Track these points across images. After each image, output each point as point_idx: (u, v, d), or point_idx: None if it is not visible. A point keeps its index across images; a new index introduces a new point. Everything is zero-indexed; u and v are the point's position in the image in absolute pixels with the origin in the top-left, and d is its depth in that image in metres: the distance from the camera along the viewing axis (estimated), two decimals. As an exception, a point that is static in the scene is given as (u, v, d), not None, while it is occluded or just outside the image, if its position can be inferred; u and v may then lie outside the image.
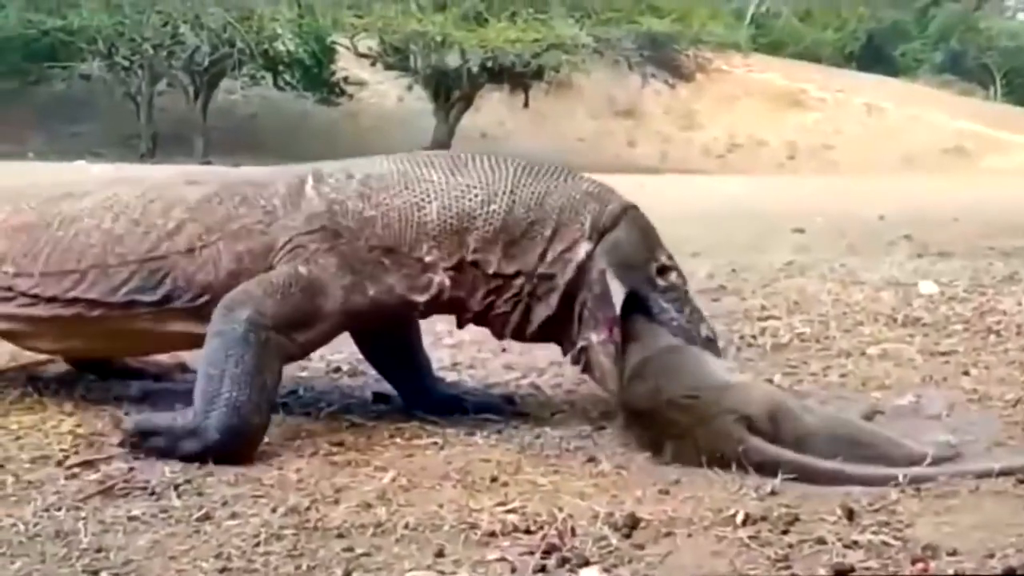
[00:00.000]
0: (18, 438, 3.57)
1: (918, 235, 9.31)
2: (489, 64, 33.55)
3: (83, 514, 2.92)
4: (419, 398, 3.97)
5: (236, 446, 3.36)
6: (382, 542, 2.74)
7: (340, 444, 3.50)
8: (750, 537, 2.74)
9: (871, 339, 5.06)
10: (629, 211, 3.72)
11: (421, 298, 3.62)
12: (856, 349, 4.86)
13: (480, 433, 3.63)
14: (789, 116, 39.30)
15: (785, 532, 2.76)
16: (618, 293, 3.57)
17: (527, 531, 2.78)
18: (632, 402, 3.50)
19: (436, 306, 3.68)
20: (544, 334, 3.72)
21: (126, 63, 33.20)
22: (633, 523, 2.80)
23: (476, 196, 3.63)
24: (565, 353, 3.73)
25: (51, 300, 3.80)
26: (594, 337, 3.59)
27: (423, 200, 3.62)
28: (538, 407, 3.96)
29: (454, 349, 4.80)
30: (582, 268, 3.62)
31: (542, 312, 3.65)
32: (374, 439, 3.57)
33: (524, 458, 3.38)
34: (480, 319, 3.75)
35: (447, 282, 3.61)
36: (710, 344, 3.68)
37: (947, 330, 5.27)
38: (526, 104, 35.64)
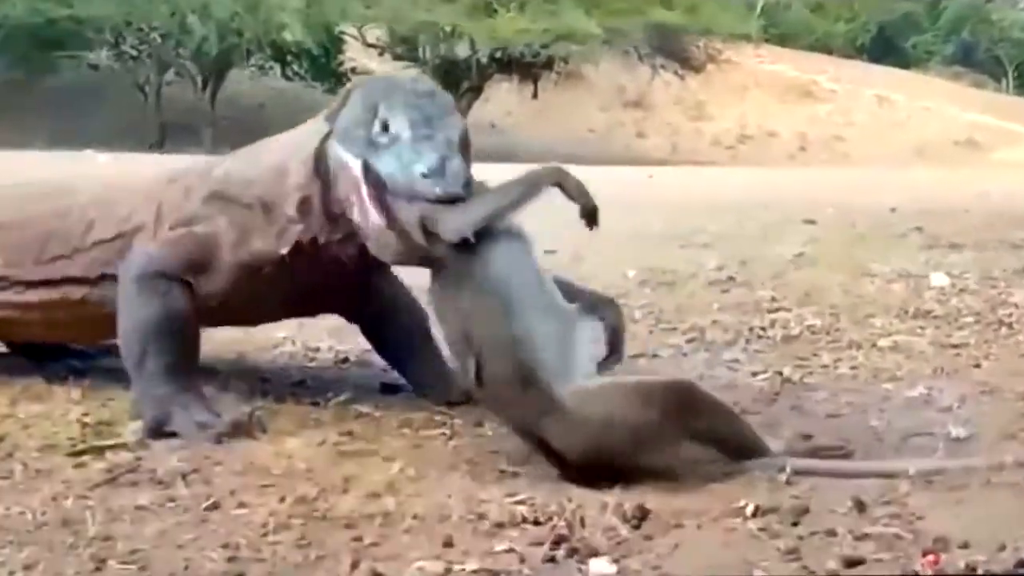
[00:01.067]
0: (26, 427, 3.58)
1: (929, 227, 9.28)
2: (498, 55, 33.60)
3: (90, 503, 2.92)
4: (427, 386, 3.98)
5: (184, 387, 3.56)
6: (390, 532, 2.74)
7: (348, 434, 3.49)
8: (760, 529, 2.73)
9: (882, 331, 5.03)
10: (357, 86, 3.56)
11: (285, 249, 3.60)
12: (867, 341, 4.84)
13: (489, 424, 3.61)
14: (800, 107, 39.30)
15: (795, 524, 2.74)
16: (352, 162, 3.34)
17: (536, 522, 2.77)
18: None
19: (304, 255, 3.60)
20: (357, 254, 3.54)
21: (134, 53, 33.30)
22: (642, 514, 2.79)
23: (319, 137, 3.55)
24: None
25: (42, 284, 3.99)
26: (357, 216, 3.33)
27: (291, 155, 3.63)
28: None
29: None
30: (320, 155, 3.48)
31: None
32: (382, 429, 3.57)
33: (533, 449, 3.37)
34: (336, 258, 3.61)
35: (298, 227, 3.58)
36: (423, 180, 3.18)
37: (958, 322, 5.25)
38: (535, 95, 35.68)
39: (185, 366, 3.64)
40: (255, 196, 3.66)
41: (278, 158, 3.68)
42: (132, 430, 3.53)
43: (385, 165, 3.28)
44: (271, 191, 3.63)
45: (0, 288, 4.07)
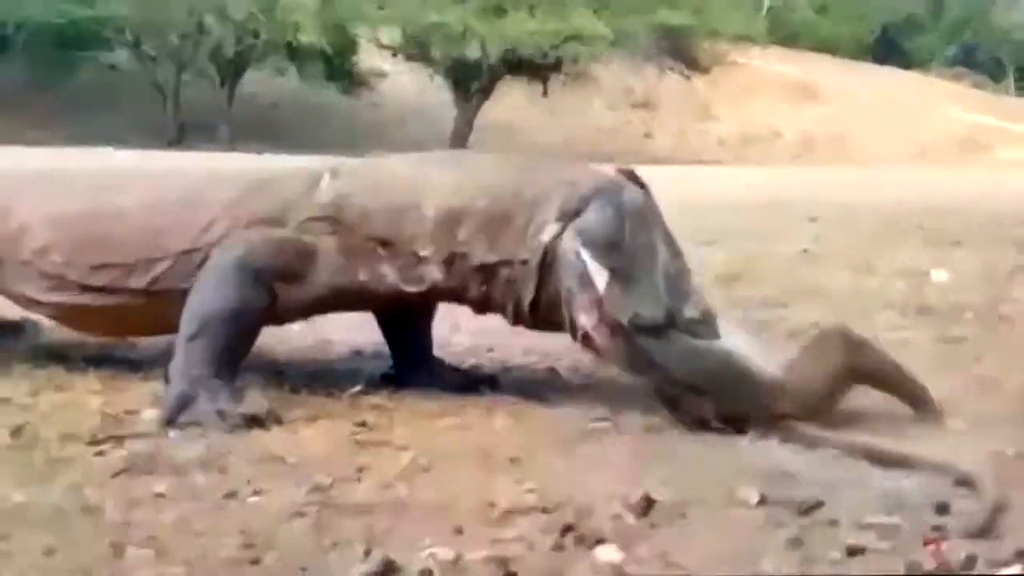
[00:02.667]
0: (47, 416, 3.62)
1: (931, 225, 9.28)
2: (508, 56, 33.52)
3: (109, 491, 2.96)
4: (413, 372, 4.13)
5: (220, 375, 3.64)
6: (402, 520, 2.78)
7: (362, 424, 3.55)
8: (765, 518, 2.77)
9: (884, 327, 5.04)
10: (602, 192, 3.71)
11: (414, 289, 3.80)
12: (869, 336, 4.85)
13: (499, 415, 3.67)
14: (804, 108, 39.12)
15: (800, 514, 2.79)
16: (597, 272, 3.59)
17: (544, 510, 2.82)
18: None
19: (436, 295, 3.87)
20: (544, 320, 3.78)
21: (153, 53, 33.25)
22: (649, 503, 2.84)
23: (467, 193, 3.77)
24: (573, 338, 3.75)
25: (100, 290, 4.03)
26: (585, 321, 3.61)
27: (422, 199, 3.78)
28: (556, 391, 3.99)
29: (474, 335, 4.82)
30: (549, 250, 3.67)
31: (526, 297, 3.73)
32: (395, 419, 3.62)
33: (542, 440, 3.43)
34: (486, 308, 3.88)
35: (439, 275, 3.77)
36: (694, 324, 3.59)
37: (959, 317, 5.28)
38: (544, 95, 35.58)
39: (229, 358, 3.71)
40: (374, 229, 3.79)
41: (404, 199, 3.80)
42: (148, 418, 3.59)
43: None
44: (395, 229, 3.78)
45: (57, 288, 4.10)
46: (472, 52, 33.60)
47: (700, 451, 3.32)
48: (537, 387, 4.03)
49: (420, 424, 3.59)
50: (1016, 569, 2.50)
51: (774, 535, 2.69)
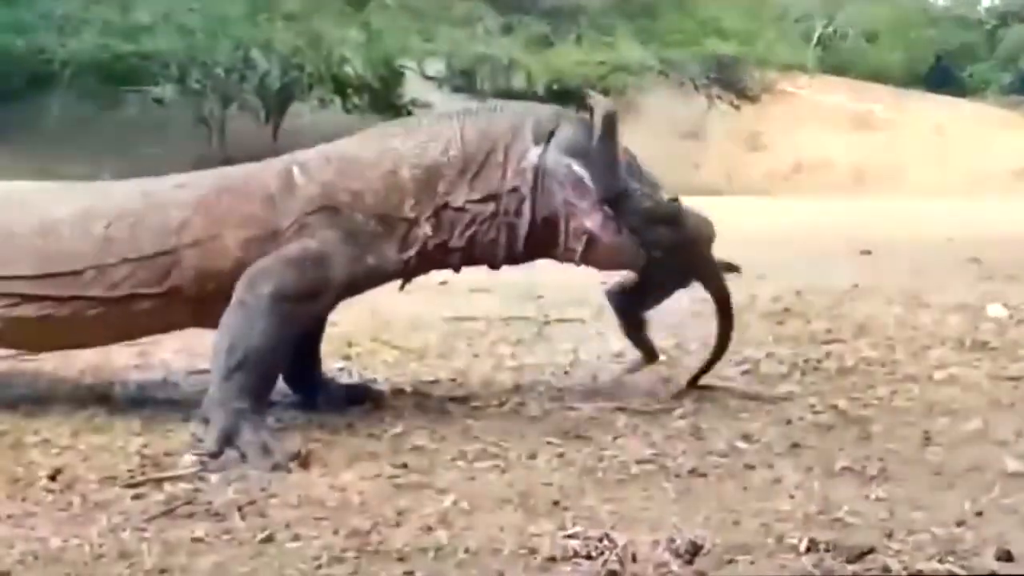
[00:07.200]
0: (86, 458, 3.61)
1: (986, 258, 9.18)
2: (555, 87, 33.64)
3: (147, 535, 2.94)
4: (313, 394, 4.25)
5: (258, 409, 3.64)
6: (442, 566, 2.74)
7: (403, 466, 3.50)
8: (814, 565, 2.72)
9: (938, 363, 4.99)
10: (562, 113, 4.13)
11: (411, 253, 3.89)
12: (922, 373, 4.80)
13: (542, 456, 3.62)
14: (856, 137, 38.94)
15: (850, 561, 2.73)
16: (586, 175, 3.92)
17: (587, 556, 2.77)
18: None
19: (425, 257, 3.94)
20: (537, 246, 3.98)
21: (198, 87, 33.62)
22: (695, 549, 2.78)
23: (435, 148, 3.92)
24: (561, 260, 4.01)
25: (44, 299, 3.93)
26: (592, 224, 3.91)
27: (396, 165, 3.90)
28: (601, 431, 3.93)
29: (516, 372, 4.79)
30: (539, 171, 3.90)
31: (523, 225, 3.92)
32: (436, 461, 3.58)
33: (585, 482, 3.37)
34: (471, 255, 3.98)
35: (429, 231, 3.89)
36: (673, 203, 4.12)
37: (1015, 354, 5.18)
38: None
39: (265, 392, 3.73)
40: (368, 207, 3.87)
41: (381, 170, 3.90)
42: (187, 461, 3.56)
43: (633, 184, 4.08)
44: (383, 200, 3.88)
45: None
46: (518, 83, 33.75)
47: (747, 494, 3.26)
48: (581, 427, 3.97)
49: (461, 466, 3.54)
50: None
51: (824, 582, 2.63)
